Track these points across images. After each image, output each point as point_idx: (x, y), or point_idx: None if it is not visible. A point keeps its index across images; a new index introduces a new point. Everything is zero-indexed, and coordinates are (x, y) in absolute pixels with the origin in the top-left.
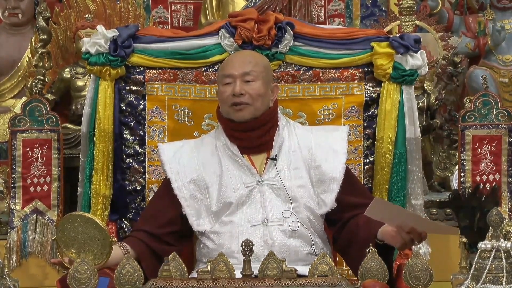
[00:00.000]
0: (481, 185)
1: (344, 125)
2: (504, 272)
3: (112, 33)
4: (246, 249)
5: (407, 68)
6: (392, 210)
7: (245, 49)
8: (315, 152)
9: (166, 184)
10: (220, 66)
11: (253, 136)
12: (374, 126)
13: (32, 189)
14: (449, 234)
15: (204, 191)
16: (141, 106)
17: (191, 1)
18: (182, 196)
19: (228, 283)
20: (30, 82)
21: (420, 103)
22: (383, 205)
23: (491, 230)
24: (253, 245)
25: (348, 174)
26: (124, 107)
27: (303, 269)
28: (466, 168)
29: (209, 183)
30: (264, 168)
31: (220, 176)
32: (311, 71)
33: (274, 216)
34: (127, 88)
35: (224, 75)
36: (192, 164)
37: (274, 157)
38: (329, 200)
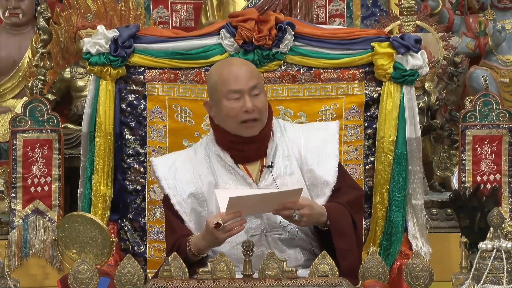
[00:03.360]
0: (482, 185)
1: (345, 125)
2: (505, 272)
3: (113, 33)
4: (246, 249)
5: (407, 68)
6: (251, 201)
7: (232, 58)
8: (306, 156)
9: (166, 201)
10: (219, 81)
11: (252, 148)
12: (374, 126)
13: (32, 189)
14: (295, 195)
15: (202, 203)
16: (142, 106)
17: (192, 1)
18: (184, 211)
19: (229, 283)
20: (30, 82)
21: (421, 103)
22: (240, 201)
23: (491, 230)
24: (253, 245)
25: (339, 174)
26: (125, 107)
27: (304, 272)
28: (466, 168)
29: (207, 195)
30: (260, 176)
31: (216, 186)
32: (311, 71)
33: (273, 225)
34: (128, 88)
35: (231, 91)
36: (188, 177)
37: (270, 164)
38: (322, 204)
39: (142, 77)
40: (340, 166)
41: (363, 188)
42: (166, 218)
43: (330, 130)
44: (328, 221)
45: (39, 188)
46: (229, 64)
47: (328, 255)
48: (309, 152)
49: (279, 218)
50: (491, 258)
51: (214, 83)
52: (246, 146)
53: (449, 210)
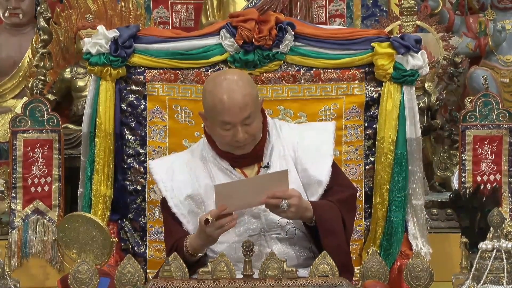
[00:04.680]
0: (482, 185)
1: (345, 125)
2: (505, 272)
3: (113, 33)
4: (246, 249)
5: (408, 68)
6: (238, 188)
7: (227, 78)
8: (301, 155)
9: (164, 203)
10: (212, 108)
11: (246, 158)
12: (375, 126)
13: (33, 189)
14: (282, 178)
15: (200, 205)
16: (142, 106)
17: (192, 2)
18: (181, 213)
19: (229, 283)
20: (31, 83)
21: (421, 103)
22: (227, 188)
23: (492, 230)
24: (253, 245)
25: (332, 174)
26: (125, 108)
27: (304, 273)
28: (467, 168)
29: (204, 197)
30: None
31: (213, 188)
32: (311, 71)
33: (271, 225)
34: (128, 88)
35: (223, 122)
36: (185, 179)
37: (267, 164)
38: None
39: (142, 77)
40: (334, 165)
41: (363, 188)
42: (164, 221)
43: (325, 130)
44: (314, 217)
45: (39, 188)
46: (222, 92)
47: (328, 255)
48: (304, 151)
49: (277, 217)
50: (491, 258)
51: (208, 106)
52: (240, 157)
53: (449, 210)
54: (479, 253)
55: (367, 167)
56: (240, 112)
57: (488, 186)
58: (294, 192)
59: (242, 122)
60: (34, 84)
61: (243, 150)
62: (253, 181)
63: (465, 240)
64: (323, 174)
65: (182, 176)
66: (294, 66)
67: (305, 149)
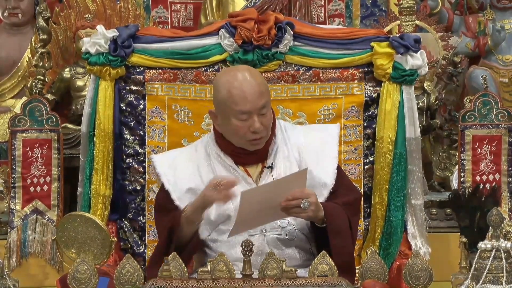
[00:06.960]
0: (481, 185)
1: (344, 125)
2: (504, 272)
3: (112, 33)
4: (246, 249)
5: (407, 68)
6: (262, 193)
7: (240, 71)
8: (306, 157)
9: (164, 197)
10: (228, 99)
11: (253, 155)
12: (374, 126)
13: (32, 189)
14: (301, 177)
15: None
16: (141, 106)
17: (191, 1)
18: (184, 206)
19: (228, 283)
20: (30, 82)
21: (420, 103)
22: (252, 194)
23: (491, 230)
24: (253, 245)
25: (337, 176)
26: (124, 107)
27: (303, 273)
28: (466, 168)
29: None
30: (260, 177)
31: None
32: (311, 71)
33: (272, 225)
34: (127, 88)
35: (240, 111)
36: (188, 174)
37: (271, 165)
38: None
39: (141, 77)
40: (338, 168)
41: (362, 187)
42: (156, 221)
43: (330, 132)
44: (324, 218)
45: (38, 188)
46: (238, 81)
47: (327, 255)
48: (309, 153)
49: None
50: (491, 258)
51: (223, 99)
52: (245, 155)
53: (449, 210)
54: (478, 253)
55: (366, 166)
56: (258, 99)
57: (487, 185)
58: (311, 191)
59: (259, 111)
60: (33, 83)
61: (257, 145)
62: (276, 184)
63: (464, 239)
64: (328, 176)
65: (185, 170)
66: (293, 65)
67: (310, 151)
